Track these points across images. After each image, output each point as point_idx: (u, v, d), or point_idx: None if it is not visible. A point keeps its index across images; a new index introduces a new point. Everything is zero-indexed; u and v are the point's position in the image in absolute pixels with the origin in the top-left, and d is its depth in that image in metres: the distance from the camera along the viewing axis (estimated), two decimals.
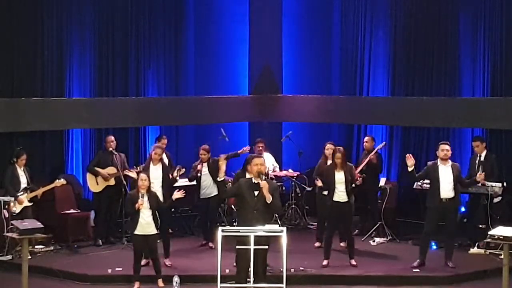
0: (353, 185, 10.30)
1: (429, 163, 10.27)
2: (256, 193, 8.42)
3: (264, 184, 8.37)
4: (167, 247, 10.26)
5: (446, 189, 9.99)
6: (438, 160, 10.11)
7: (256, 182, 8.45)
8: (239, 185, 8.61)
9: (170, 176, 10.44)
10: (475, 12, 12.52)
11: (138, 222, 9.22)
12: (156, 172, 10.24)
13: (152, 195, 9.39)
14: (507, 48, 12.16)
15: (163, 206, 9.78)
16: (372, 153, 11.80)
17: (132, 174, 11.05)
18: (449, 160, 10.12)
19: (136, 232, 9.25)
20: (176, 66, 13.69)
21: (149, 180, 9.40)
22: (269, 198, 8.35)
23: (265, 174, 8.93)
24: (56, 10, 12.23)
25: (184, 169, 10.72)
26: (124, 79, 13.05)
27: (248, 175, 9.17)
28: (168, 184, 10.33)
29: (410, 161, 10.03)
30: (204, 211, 11.48)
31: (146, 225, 9.26)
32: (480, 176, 10.48)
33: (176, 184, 10.97)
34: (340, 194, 10.18)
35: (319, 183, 10.51)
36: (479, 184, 10.77)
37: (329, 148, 11.18)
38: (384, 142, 12.35)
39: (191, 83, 13.94)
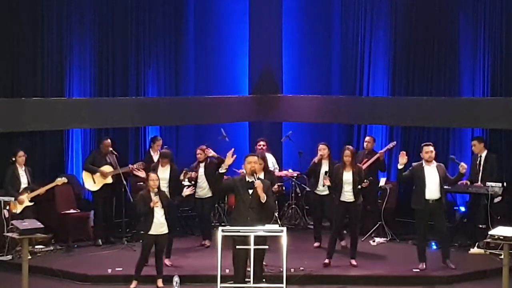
0: (360, 186, 10.22)
1: (414, 164, 10.16)
2: (250, 191, 8.45)
3: (258, 183, 8.39)
4: (169, 247, 10.25)
5: (432, 190, 9.92)
6: (423, 161, 10.05)
7: (250, 180, 8.47)
8: (234, 181, 8.66)
9: (181, 179, 10.62)
10: (475, 12, 12.51)
11: (153, 222, 9.25)
12: (164, 173, 10.29)
13: (162, 195, 9.44)
14: (507, 48, 12.15)
15: (173, 205, 9.82)
16: (382, 151, 11.87)
17: (141, 174, 11.10)
18: (434, 161, 10.05)
19: (150, 232, 9.28)
20: (176, 66, 13.68)
21: (159, 180, 9.46)
22: (263, 198, 8.38)
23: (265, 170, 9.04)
24: (56, 10, 12.23)
25: (191, 173, 10.89)
26: (124, 79, 13.04)
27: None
28: (174, 187, 10.36)
29: (403, 159, 9.97)
30: (199, 211, 11.52)
31: (159, 224, 9.31)
32: (462, 166, 10.11)
33: None
34: (347, 194, 10.14)
35: (327, 181, 10.50)
36: (463, 178, 10.64)
37: (321, 148, 11.16)
38: (394, 142, 12.33)
39: (191, 83, 13.93)
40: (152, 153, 12.17)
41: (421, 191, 9.97)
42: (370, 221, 11.94)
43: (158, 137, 12.31)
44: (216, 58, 14.04)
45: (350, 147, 10.42)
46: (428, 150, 9.99)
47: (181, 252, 10.89)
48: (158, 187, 9.41)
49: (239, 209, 8.54)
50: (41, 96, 11.94)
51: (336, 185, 10.24)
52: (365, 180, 10.33)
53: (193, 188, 9.99)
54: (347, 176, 10.14)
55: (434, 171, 9.99)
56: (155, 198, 9.24)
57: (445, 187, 10.14)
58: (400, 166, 10.02)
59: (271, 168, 12.44)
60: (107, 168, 11.52)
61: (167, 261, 10.15)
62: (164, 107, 12.95)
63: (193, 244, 11.45)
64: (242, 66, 14.16)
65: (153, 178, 9.37)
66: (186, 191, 9.82)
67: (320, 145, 11.27)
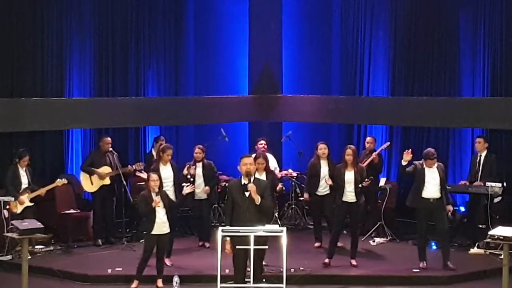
0: (360, 185, 10.20)
1: (416, 162, 10.17)
2: (246, 194, 8.37)
3: (251, 187, 8.29)
4: (170, 247, 10.23)
5: (431, 189, 9.95)
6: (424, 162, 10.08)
7: (245, 183, 8.39)
8: (230, 191, 8.56)
9: (185, 173, 10.66)
10: (475, 12, 12.51)
11: (155, 222, 9.26)
12: (166, 172, 10.24)
13: (163, 194, 9.44)
14: (507, 48, 12.15)
15: (175, 205, 9.84)
16: (375, 153, 11.84)
17: (143, 175, 11.07)
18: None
19: (153, 232, 9.27)
20: (176, 66, 13.69)
21: (160, 180, 9.45)
22: (257, 200, 8.30)
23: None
24: (56, 10, 12.23)
25: (192, 167, 10.94)
26: (124, 79, 13.05)
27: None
28: (179, 183, 10.36)
29: (408, 156, 10.02)
30: (198, 212, 11.52)
31: (162, 224, 9.30)
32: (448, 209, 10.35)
33: None
34: (349, 194, 10.11)
35: (329, 181, 10.49)
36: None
37: (322, 148, 11.18)
38: (388, 143, 12.35)
39: (191, 83, 13.94)
40: (154, 153, 12.13)
41: (418, 190, 10.01)
42: (370, 221, 11.95)
43: (162, 137, 12.29)
44: (216, 58, 14.05)
45: (352, 146, 10.38)
46: (432, 163, 9.95)
47: (181, 252, 10.89)
48: (160, 187, 9.42)
49: (236, 212, 8.43)
50: (41, 96, 11.94)
51: (338, 185, 10.22)
52: (366, 179, 10.31)
53: (193, 186, 9.99)
54: (349, 175, 10.11)
55: (435, 172, 10.01)
56: (156, 198, 9.25)
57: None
58: (404, 163, 10.07)
59: (272, 169, 12.47)
60: (105, 169, 11.49)
61: (167, 261, 10.15)
62: (164, 107, 12.94)
63: (193, 244, 11.45)
64: (242, 66, 14.15)
65: (154, 179, 9.36)
66: (186, 189, 9.77)
67: (320, 144, 11.26)
